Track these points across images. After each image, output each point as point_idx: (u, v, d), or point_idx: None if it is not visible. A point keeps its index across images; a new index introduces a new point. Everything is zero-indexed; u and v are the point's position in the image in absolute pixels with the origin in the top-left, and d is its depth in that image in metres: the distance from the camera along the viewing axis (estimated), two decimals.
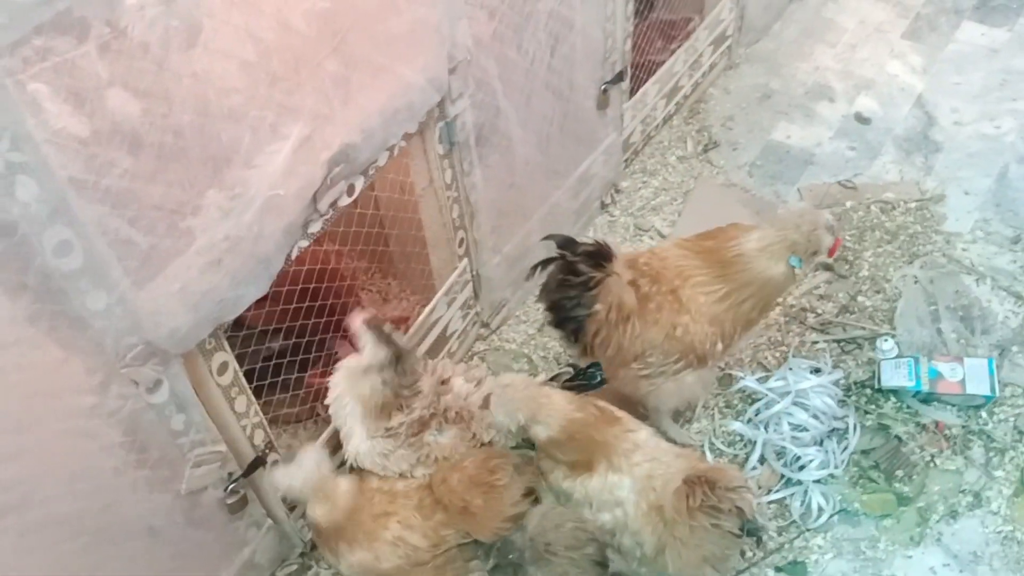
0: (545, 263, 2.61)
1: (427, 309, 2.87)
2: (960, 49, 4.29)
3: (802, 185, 3.75)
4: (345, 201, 2.26)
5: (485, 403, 2.47)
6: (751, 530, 2.10)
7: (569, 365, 2.61)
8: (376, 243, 2.96)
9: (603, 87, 3.24)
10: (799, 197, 3.72)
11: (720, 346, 2.62)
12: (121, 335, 1.75)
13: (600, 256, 2.55)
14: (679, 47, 3.76)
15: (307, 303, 2.64)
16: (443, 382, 2.58)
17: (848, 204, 3.65)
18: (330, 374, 2.53)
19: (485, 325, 3.27)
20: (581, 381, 2.38)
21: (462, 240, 2.91)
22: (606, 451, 2.26)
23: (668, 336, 2.56)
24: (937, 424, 2.94)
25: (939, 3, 4.52)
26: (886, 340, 3.09)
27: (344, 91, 2.08)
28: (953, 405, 2.97)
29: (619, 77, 3.30)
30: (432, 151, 2.59)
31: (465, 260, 2.97)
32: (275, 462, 2.38)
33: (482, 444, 2.52)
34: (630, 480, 2.24)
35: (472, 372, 2.66)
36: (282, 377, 2.66)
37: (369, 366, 2.38)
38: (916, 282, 3.35)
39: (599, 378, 2.37)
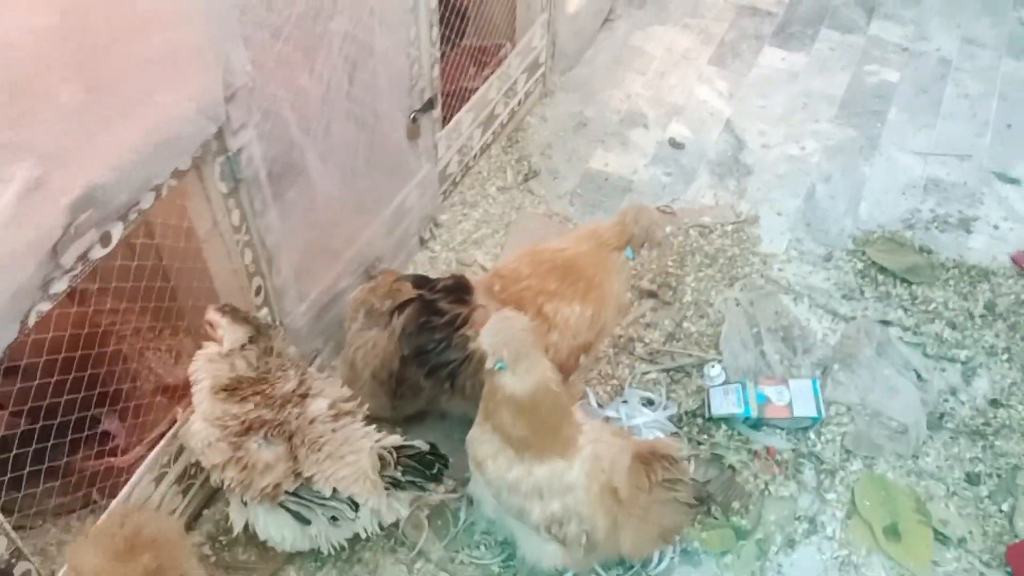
0: (400, 307, 2.39)
1: None
2: (763, 73, 4.41)
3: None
4: (99, 252, 1.90)
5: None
6: (701, 498, 2.31)
7: (418, 445, 2.33)
8: (161, 298, 2.59)
9: (412, 116, 3.03)
10: None
11: (583, 359, 2.60)
12: None
13: (460, 290, 2.38)
14: (492, 73, 3.61)
15: (72, 374, 2.24)
16: (302, 395, 2.29)
17: (668, 229, 3.61)
18: (104, 455, 2.16)
19: None
20: (418, 464, 2.26)
21: (259, 288, 2.59)
22: (556, 435, 2.19)
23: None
24: (768, 450, 2.90)
25: (741, 30, 4.65)
26: (713, 366, 3.03)
27: (86, 123, 1.74)
28: (782, 429, 2.94)
29: (429, 105, 3.09)
30: (213, 190, 2.27)
31: (265, 310, 2.65)
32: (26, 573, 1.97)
33: (295, 480, 2.29)
34: (579, 463, 2.20)
35: (345, 403, 2.38)
36: (45, 464, 2.24)
37: (231, 350, 2.30)
38: (738, 305, 3.32)
39: (436, 471, 2.25)
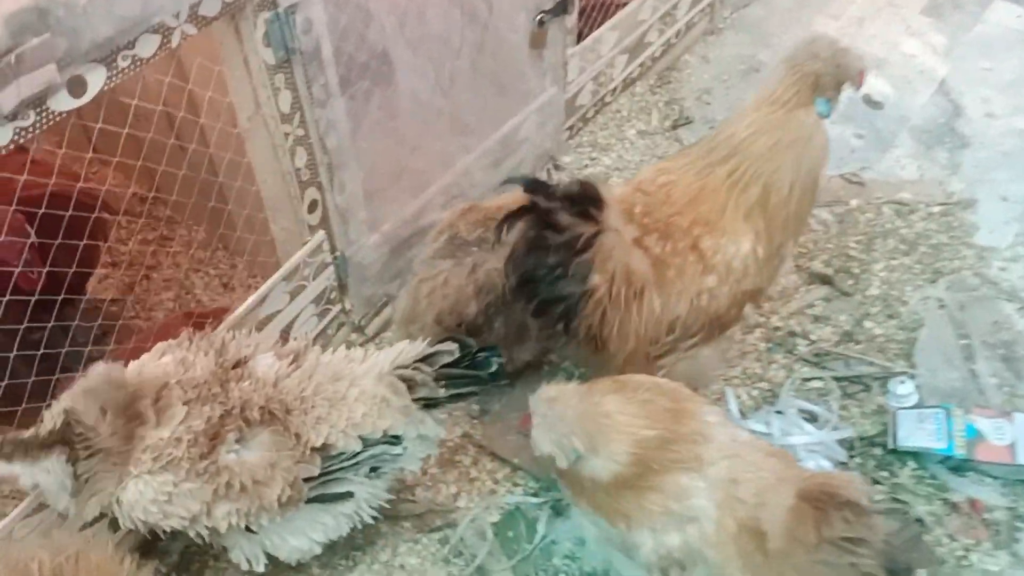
0: (511, 217, 1.77)
1: (253, 298, 1.97)
2: (990, 32, 3.55)
3: None
4: (67, 103, 1.37)
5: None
6: (895, 571, 1.49)
7: (452, 339, 1.76)
8: (208, 197, 2.07)
9: (539, 17, 2.39)
10: None
11: (748, 308, 2.04)
12: None
13: (588, 200, 1.75)
14: None
15: None
16: (236, 365, 1.70)
17: (853, 203, 2.85)
18: None
19: (358, 329, 2.37)
20: (466, 370, 1.73)
21: (314, 203, 2.03)
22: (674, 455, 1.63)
23: (692, 307, 1.92)
24: (974, 504, 2.10)
25: None
26: (902, 382, 2.27)
27: None
28: (996, 478, 2.13)
29: (562, 7, 2.44)
30: (255, 56, 1.71)
31: (321, 233, 2.09)
32: None
33: (310, 459, 1.69)
34: (704, 484, 1.61)
35: (288, 344, 1.80)
36: None
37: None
38: (942, 307, 2.53)
39: (495, 368, 1.71)
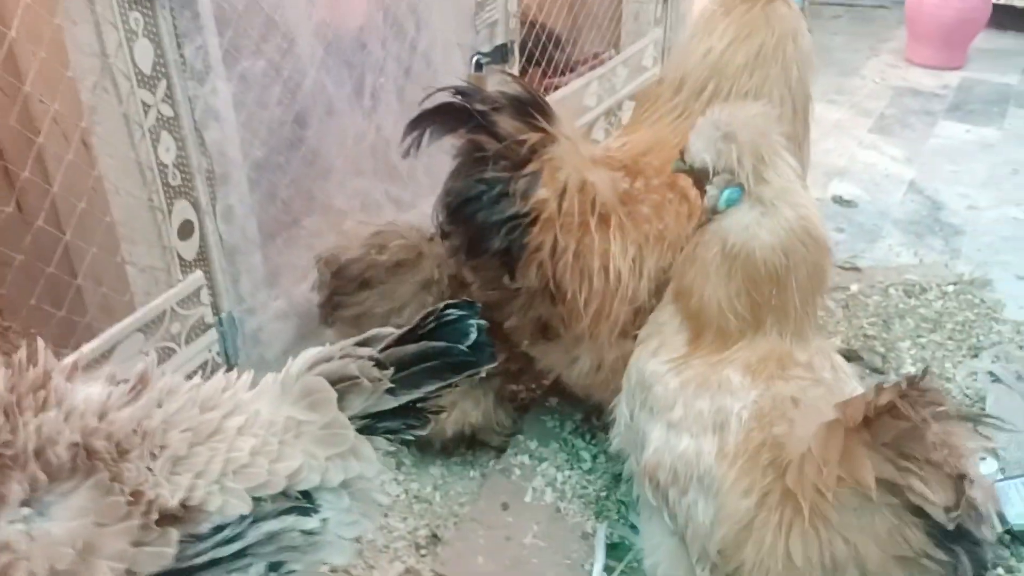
0: (432, 114, 1.31)
1: (90, 347, 1.35)
2: (945, 144, 3.47)
3: None
4: None
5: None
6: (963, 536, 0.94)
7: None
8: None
9: (475, 57, 2.03)
10: None
11: None
12: None
13: (534, 106, 1.33)
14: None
15: None
16: (36, 389, 1.01)
17: (854, 287, 2.44)
18: None
19: None
20: (429, 344, 1.06)
21: (188, 226, 1.47)
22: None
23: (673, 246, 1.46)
24: None
25: (903, 106, 3.79)
26: (983, 458, 1.72)
27: None
28: None
29: (501, 54, 2.09)
30: None
31: (198, 275, 1.51)
32: None
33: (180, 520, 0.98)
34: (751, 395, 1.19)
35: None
36: None
37: None
38: (995, 380, 2.02)
39: (474, 336, 1.04)
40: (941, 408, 0.97)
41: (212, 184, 1.48)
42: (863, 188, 3.05)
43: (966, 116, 3.65)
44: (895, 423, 0.97)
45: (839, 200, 2.96)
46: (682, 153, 1.26)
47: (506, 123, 1.28)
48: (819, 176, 3.13)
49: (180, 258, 1.48)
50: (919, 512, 0.95)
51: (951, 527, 0.94)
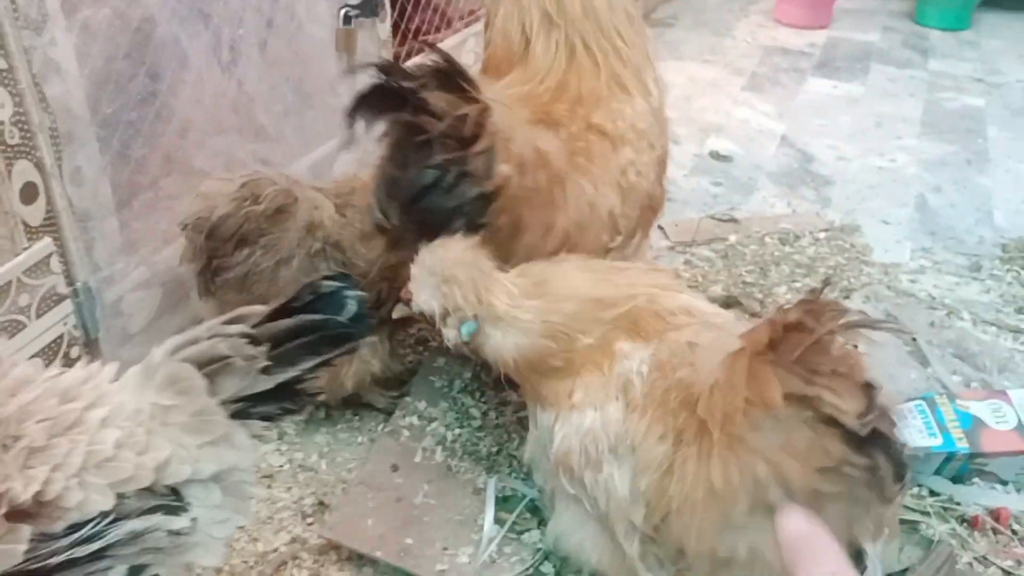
0: (364, 100, 1.21)
1: None
2: (814, 99, 3.59)
3: (665, 221, 2.53)
4: None
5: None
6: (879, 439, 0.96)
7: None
8: None
9: (343, 9, 1.95)
10: (663, 235, 2.49)
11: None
12: None
13: (457, 74, 1.25)
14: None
15: None
16: None
17: (732, 238, 2.50)
18: None
19: None
20: (306, 319, 1.02)
21: (31, 188, 1.36)
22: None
23: (623, 191, 1.46)
24: (997, 515, 1.56)
25: (773, 65, 3.90)
26: None
27: None
28: (1005, 482, 1.63)
29: (370, 7, 2.02)
30: None
31: (47, 241, 1.40)
32: None
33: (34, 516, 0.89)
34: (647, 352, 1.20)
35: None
36: None
37: None
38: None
39: (353, 309, 1.01)
40: (843, 320, 0.98)
41: (57, 143, 1.37)
42: (738, 143, 3.12)
43: (832, 73, 3.80)
44: (799, 339, 0.97)
45: (716, 155, 3.02)
46: (407, 303, 1.27)
47: (438, 99, 1.20)
48: (696, 133, 3.20)
49: (24, 224, 1.37)
50: (834, 422, 0.96)
51: (865, 432, 0.95)
